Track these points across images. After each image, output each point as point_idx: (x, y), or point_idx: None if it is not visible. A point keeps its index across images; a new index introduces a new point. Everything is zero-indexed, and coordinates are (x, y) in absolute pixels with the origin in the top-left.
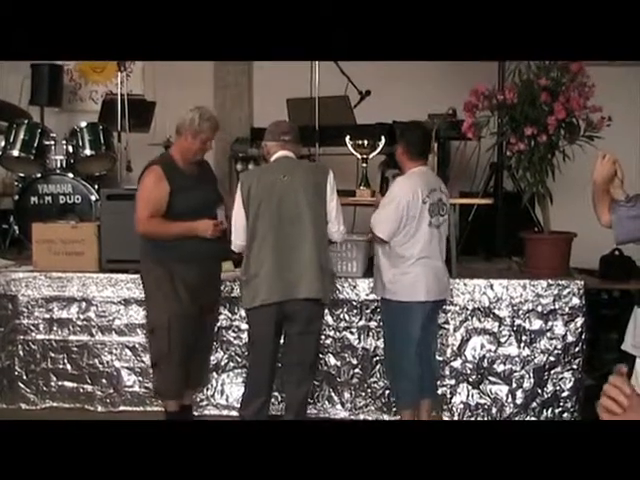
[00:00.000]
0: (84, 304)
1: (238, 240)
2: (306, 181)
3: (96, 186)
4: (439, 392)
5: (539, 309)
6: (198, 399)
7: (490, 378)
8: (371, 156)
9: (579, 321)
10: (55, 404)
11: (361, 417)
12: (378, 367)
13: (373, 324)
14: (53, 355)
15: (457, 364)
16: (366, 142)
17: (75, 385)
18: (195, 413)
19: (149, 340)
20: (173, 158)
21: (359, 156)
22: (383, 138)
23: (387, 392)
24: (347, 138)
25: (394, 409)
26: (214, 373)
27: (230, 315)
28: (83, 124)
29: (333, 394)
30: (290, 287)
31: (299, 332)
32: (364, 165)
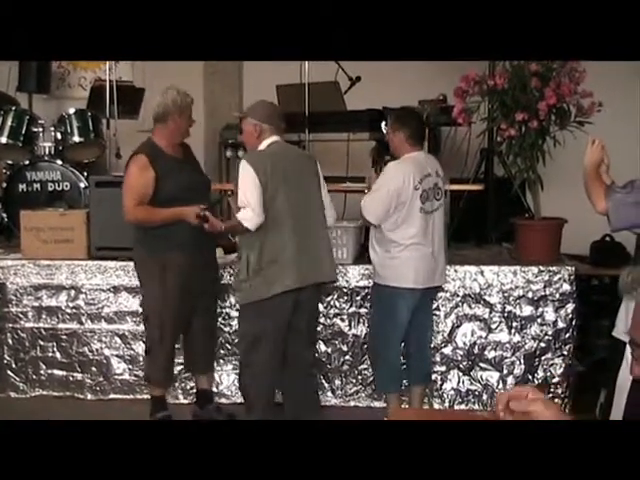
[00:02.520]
0: (73, 292)
1: (259, 217)
2: (308, 168)
3: (85, 173)
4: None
5: (530, 295)
6: (188, 387)
7: (481, 364)
8: None
9: (570, 307)
10: (44, 392)
11: (352, 404)
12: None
13: (363, 311)
14: (42, 343)
15: (448, 350)
16: None
17: (64, 373)
18: (185, 401)
19: (144, 327)
20: (157, 145)
21: None
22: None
23: None
24: (383, 124)
25: (385, 396)
26: None
27: (220, 302)
28: (72, 111)
29: (324, 381)
30: (311, 271)
31: (308, 320)
32: None
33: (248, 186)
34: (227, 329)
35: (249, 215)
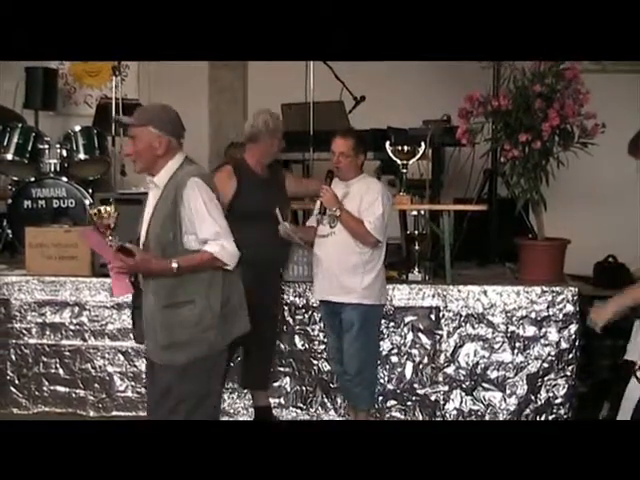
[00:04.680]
0: (77, 308)
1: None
2: None
3: (90, 190)
4: (433, 398)
5: (533, 315)
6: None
7: (484, 384)
8: (411, 162)
9: (573, 328)
10: (47, 409)
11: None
12: None
13: None
14: (45, 359)
15: (450, 370)
16: (406, 148)
17: (67, 390)
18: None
19: None
20: (246, 161)
21: (399, 162)
22: (423, 144)
23: (380, 398)
24: (387, 144)
25: (387, 414)
26: None
27: None
28: (77, 128)
29: (326, 399)
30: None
31: None
32: (404, 171)
33: (218, 211)
34: None
35: (230, 248)
